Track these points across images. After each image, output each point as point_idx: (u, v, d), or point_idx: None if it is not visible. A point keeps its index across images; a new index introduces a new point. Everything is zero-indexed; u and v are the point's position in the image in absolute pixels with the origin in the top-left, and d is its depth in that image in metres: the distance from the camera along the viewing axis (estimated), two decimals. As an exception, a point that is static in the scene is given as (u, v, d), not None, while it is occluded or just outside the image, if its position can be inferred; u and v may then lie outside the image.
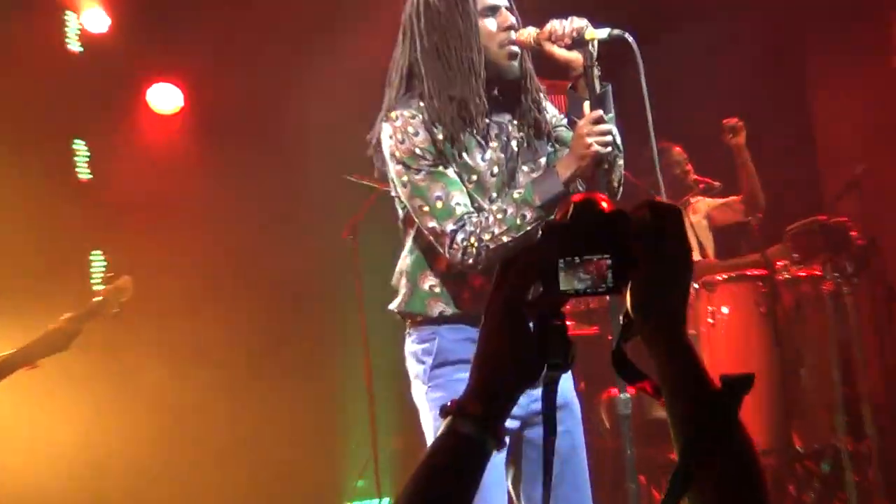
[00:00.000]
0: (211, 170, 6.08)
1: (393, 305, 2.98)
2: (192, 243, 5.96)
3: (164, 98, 6.11)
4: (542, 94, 2.98)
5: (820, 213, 5.29)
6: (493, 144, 2.87)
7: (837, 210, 5.60)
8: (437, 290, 2.86)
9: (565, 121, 2.99)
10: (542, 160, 2.94)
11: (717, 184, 5.95)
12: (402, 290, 2.95)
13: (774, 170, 6.07)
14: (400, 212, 2.96)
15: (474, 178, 2.83)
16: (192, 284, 5.94)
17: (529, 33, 2.88)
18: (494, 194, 2.84)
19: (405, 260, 2.94)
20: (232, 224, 6.08)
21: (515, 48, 2.88)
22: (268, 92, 6.20)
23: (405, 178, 2.81)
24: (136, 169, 5.89)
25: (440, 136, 2.79)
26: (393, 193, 2.95)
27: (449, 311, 2.87)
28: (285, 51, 6.20)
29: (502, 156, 2.87)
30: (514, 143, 2.91)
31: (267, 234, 6.15)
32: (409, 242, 2.93)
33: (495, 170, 2.86)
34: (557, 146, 2.97)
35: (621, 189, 2.91)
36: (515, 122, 2.94)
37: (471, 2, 2.88)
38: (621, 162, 2.88)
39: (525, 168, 2.91)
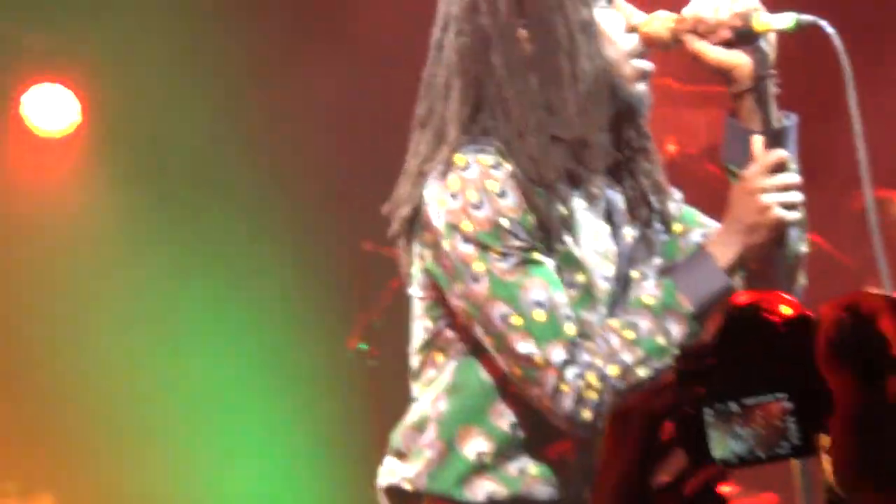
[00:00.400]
0: (125, 225, 5.52)
1: (393, 477, 2.54)
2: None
3: (51, 109, 5.45)
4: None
5: None
6: (602, 226, 2.47)
7: None
8: (489, 459, 2.45)
9: (679, 194, 2.58)
10: (657, 260, 2.51)
11: None
12: (422, 452, 2.50)
13: None
14: (430, 324, 2.49)
15: (580, 278, 2.42)
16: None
17: (663, 23, 2.41)
18: (604, 309, 2.44)
19: (437, 403, 2.50)
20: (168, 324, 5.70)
21: (647, 62, 2.44)
22: (218, 106, 5.53)
23: (478, 268, 2.37)
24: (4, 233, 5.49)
25: (537, 204, 2.38)
26: (420, 295, 2.48)
27: (507, 494, 2.46)
28: (248, 41, 5.61)
29: (614, 248, 2.46)
30: (629, 227, 2.49)
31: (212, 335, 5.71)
32: (447, 373, 2.49)
33: (607, 270, 2.45)
34: (673, 230, 2.55)
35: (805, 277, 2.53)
36: (630, 189, 2.51)
37: None
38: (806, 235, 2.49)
39: (633, 273, 2.48)
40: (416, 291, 2.52)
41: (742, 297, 1.23)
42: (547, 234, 2.42)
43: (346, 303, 5.61)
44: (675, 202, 2.62)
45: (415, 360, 2.59)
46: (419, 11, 2.71)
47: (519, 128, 2.43)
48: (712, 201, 2.63)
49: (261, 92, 5.79)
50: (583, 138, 2.44)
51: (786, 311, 1.19)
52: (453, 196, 2.40)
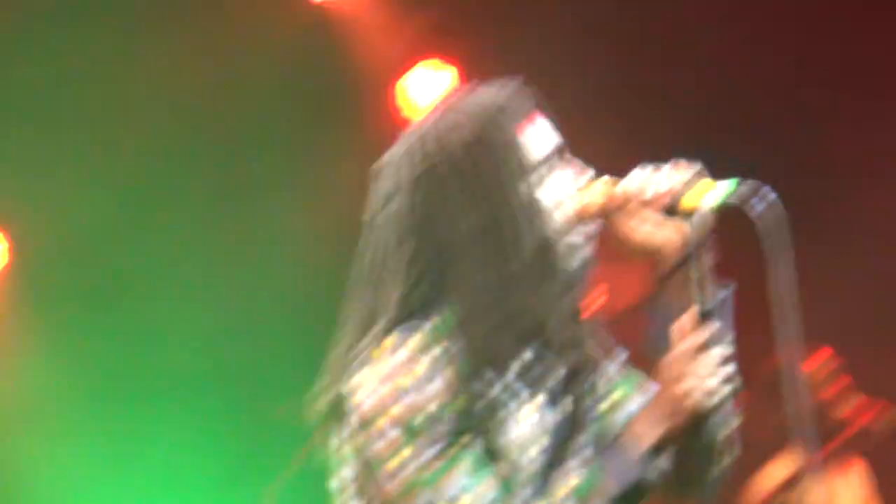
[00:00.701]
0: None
1: None
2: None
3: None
4: None
5: None
6: (539, 401, 2.32)
7: None
8: None
9: (623, 353, 2.46)
10: (595, 426, 2.39)
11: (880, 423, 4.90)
12: None
13: None
14: None
15: (511, 457, 2.28)
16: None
17: (594, 198, 2.29)
18: (529, 491, 2.28)
19: None
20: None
21: (586, 234, 2.32)
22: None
23: (405, 454, 2.22)
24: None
25: (468, 388, 2.23)
26: (340, 486, 2.32)
27: None
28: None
29: (550, 421, 2.34)
30: (566, 401, 2.36)
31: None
32: None
33: (539, 446, 2.31)
34: (613, 397, 2.42)
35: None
36: (568, 360, 2.35)
37: (532, 152, 2.31)
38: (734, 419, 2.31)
39: (567, 446, 2.34)
40: (339, 481, 2.40)
41: None
42: (478, 416, 2.30)
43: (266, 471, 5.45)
44: (616, 366, 2.49)
45: None
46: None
47: (468, 307, 2.32)
48: (638, 357, 2.53)
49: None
50: (538, 319, 2.32)
51: None
52: (382, 380, 2.29)
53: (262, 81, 5.75)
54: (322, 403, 2.37)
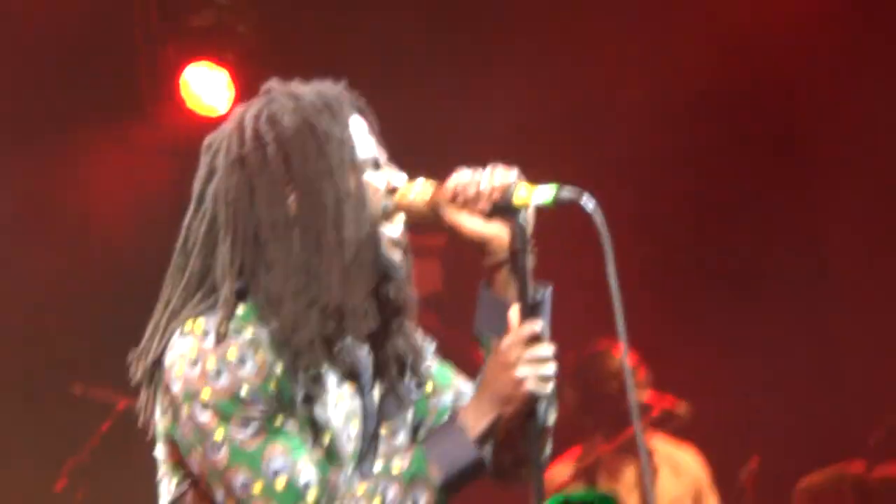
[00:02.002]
0: None
1: None
2: None
3: None
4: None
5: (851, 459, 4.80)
6: (348, 387, 2.32)
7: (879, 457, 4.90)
8: None
9: (431, 345, 2.46)
10: (408, 415, 2.41)
11: (680, 408, 4.83)
12: None
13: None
14: (173, 486, 2.31)
15: (326, 439, 2.28)
16: None
17: (421, 192, 2.31)
18: (351, 467, 2.29)
19: None
20: None
21: (402, 231, 2.33)
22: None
23: (218, 436, 2.20)
24: None
25: (279, 370, 2.22)
26: (162, 457, 2.31)
27: None
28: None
29: (362, 406, 2.33)
30: (378, 384, 2.36)
31: None
32: None
33: (353, 428, 2.32)
34: (427, 387, 2.43)
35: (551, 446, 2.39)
36: (381, 349, 2.37)
37: (354, 146, 2.30)
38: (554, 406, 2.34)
39: (383, 430, 2.36)
40: (160, 452, 2.36)
41: None
42: (290, 398, 2.27)
43: (54, 445, 5.25)
44: (429, 358, 2.48)
45: None
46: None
47: (277, 290, 2.28)
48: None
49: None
50: (343, 305, 2.29)
51: None
52: (192, 363, 2.25)
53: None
54: (139, 370, 2.33)
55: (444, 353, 2.55)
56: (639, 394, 5.01)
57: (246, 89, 5.15)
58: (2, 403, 5.55)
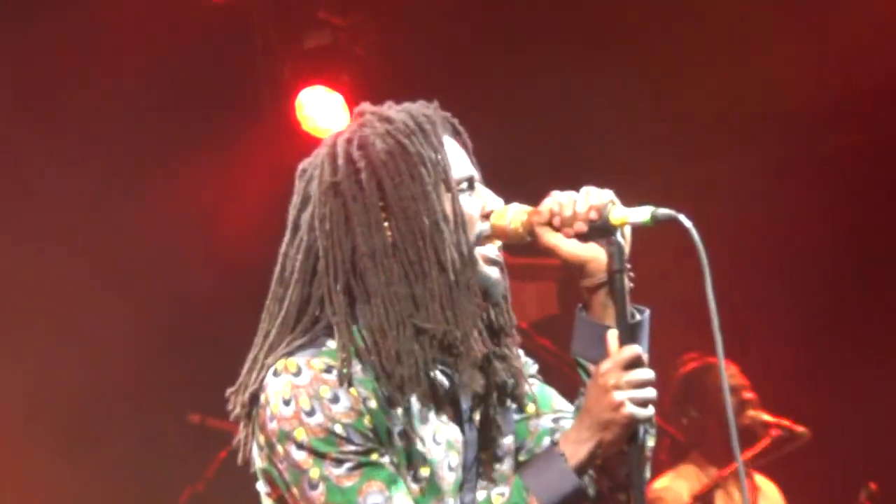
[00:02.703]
0: None
1: None
2: None
3: None
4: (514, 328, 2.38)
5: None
6: (448, 416, 2.27)
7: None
8: None
9: (533, 366, 2.42)
10: (508, 440, 2.34)
11: (800, 429, 4.70)
12: None
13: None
14: None
15: (425, 473, 2.23)
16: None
17: (516, 215, 2.26)
18: (451, 499, 2.25)
19: None
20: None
21: (498, 251, 2.29)
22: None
23: (314, 474, 2.18)
24: None
25: (374, 405, 2.19)
26: (266, 491, 2.28)
27: None
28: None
29: (460, 437, 2.28)
30: (476, 416, 2.30)
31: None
32: None
33: (454, 458, 2.26)
34: (527, 411, 2.38)
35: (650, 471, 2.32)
36: (480, 371, 2.28)
37: (448, 167, 2.27)
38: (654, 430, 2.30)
39: (483, 456, 2.30)
40: (262, 487, 2.35)
41: None
42: (386, 432, 2.24)
43: (172, 475, 5.23)
44: (530, 379, 2.43)
45: None
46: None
47: (379, 321, 2.24)
48: (543, 374, 2.51)
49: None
50: (450, 331, 2.24)
51: None
52: (286, 402, 2.22)
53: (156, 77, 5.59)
54: (237, 405, 2.31)
55: (559, 377, 2.51)
56: (755, 413, 4.91)
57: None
58: (121, 433, 5.59)
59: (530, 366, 2.44)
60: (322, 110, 5.50)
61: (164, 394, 5.49)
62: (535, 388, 2.43)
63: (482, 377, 2.31)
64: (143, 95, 5.54)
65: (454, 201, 2.27)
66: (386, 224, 2.25)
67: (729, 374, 4.77)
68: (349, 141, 2.31)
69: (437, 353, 2.24)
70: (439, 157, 2.29)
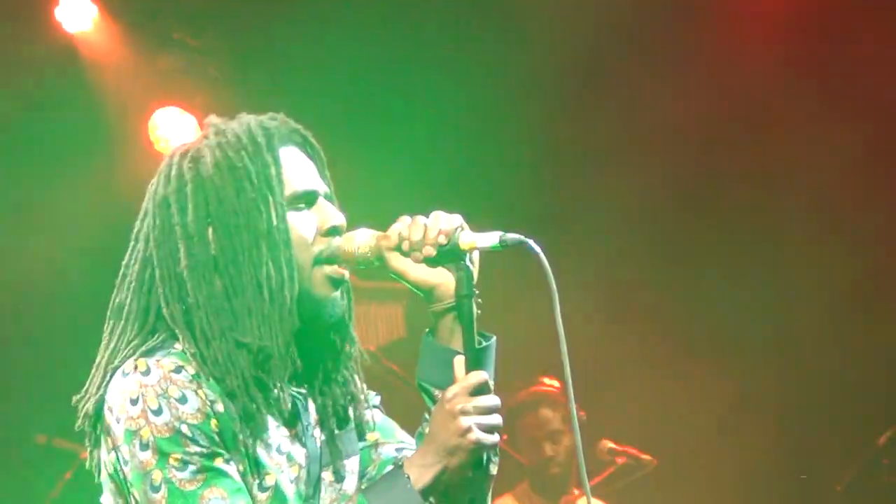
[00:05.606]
0: None
1: None
2: None
3: None
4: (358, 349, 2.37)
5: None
6: (289, 431, 2.27)
7: None
8: None
9: (376, 397, 2.43)
10: (352, 461, 2.35)
11: (646, 457, 4.65)
12: None
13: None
14: None
15: (271, 482, 2.22)
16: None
17: (365, 240, 2.25)
18: None
19: None
20: None
21: (342, 270, 2.26)
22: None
23: (157, 476, 2.15)
24: None
25: (221, 409, 2.18)
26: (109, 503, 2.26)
27: None
28: None
29: (303, 450, 2.28)
30: (317, 432, 2.31)
31: None
32: None
33: (294, 473, 2.26)
34: (368, 439, 2.39)
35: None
36: (320, 395, 2.32)
37: (275, 182, 2.24)
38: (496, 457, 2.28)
39: (325, 475, 2.30)
40: (107, 499, 2.31)
41: None
42: (232, 438, 2.23)
43: (17, 496, 5.16)
44: (372, 409, 2.43)
45: None
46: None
47: (204, 331, 2.25)
48: (389, 398, 2.52)
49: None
50: (265, 346, 2.25)
51: None
52: (133, 402, 2.20)
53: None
54: (83, 414, 2.28)
55: (405, 402, 2.48)
56: (604, 442, 4.96)
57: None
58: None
59: (373, 397, 2.45)
60: (175, 131, 5.46)
61: (9, 413, 5.42)
62: (378, 418, 2.43)
63: (310, 396, 2.33)
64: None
65: (280, 218, 2.26)
66: (211, 238, 2.26)
67: (553, 407, 4.85)
68: (184, 154, 2.30)
69: (257, 367, 2.24)
70: (270, 171, 2.27)
